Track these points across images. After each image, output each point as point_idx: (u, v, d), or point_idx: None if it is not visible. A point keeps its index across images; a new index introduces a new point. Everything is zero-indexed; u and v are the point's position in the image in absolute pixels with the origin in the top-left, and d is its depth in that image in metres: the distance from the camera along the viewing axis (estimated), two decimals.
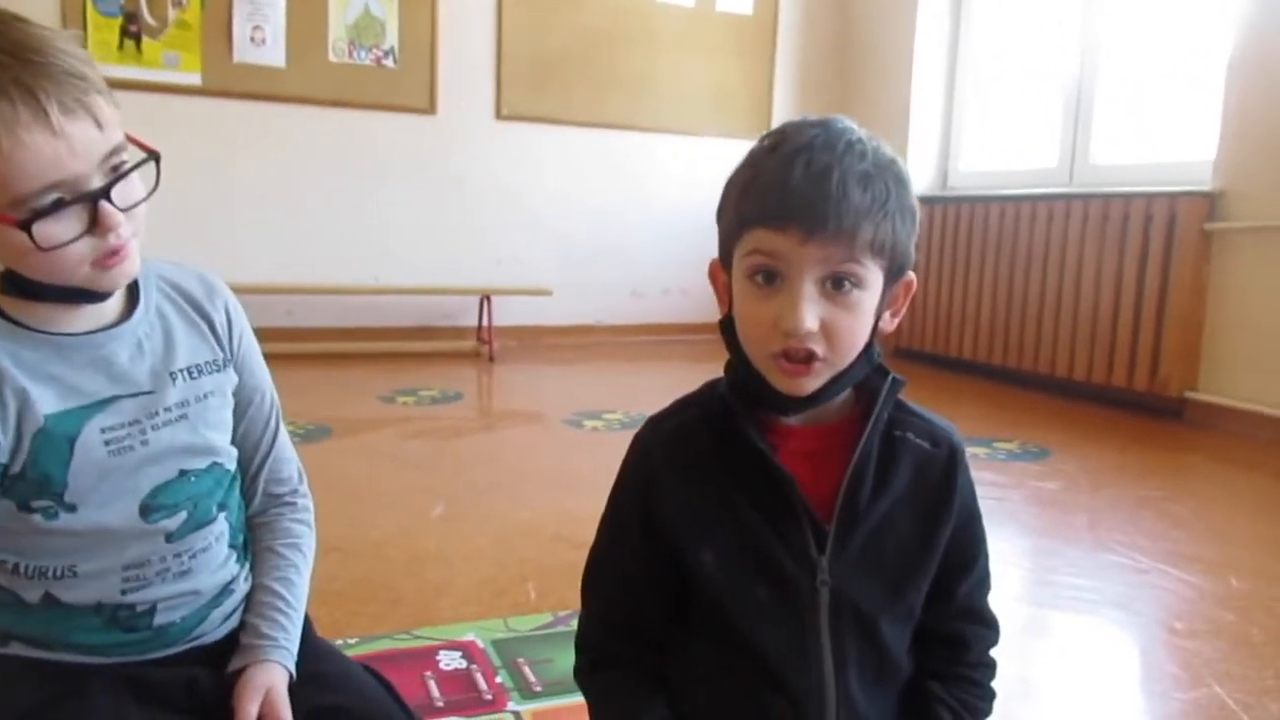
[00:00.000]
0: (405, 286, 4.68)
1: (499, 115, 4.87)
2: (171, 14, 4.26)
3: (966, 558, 0.86)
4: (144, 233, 0.84)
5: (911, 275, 0.81)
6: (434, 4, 4.66)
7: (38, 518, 0.83)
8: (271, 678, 0.91)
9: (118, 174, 0.79)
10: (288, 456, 1.04)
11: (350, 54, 4.55)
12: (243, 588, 0.98)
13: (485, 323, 4.63)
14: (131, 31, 4.20)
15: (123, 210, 0.79)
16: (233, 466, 0.97)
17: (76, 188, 0.77)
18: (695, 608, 0.84)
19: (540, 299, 4.88)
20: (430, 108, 4.73)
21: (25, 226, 0.75)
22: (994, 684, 0.88)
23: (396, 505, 2.26)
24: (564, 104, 4.99)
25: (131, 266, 0.83)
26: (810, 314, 0.74)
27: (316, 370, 4.02)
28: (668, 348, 5.10)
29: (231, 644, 0.95)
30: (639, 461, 0.86)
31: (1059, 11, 4.27)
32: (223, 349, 0.96)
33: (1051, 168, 4.27)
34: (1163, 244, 3.56)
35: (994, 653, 0.89)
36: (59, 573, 0.85)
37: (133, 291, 0.91)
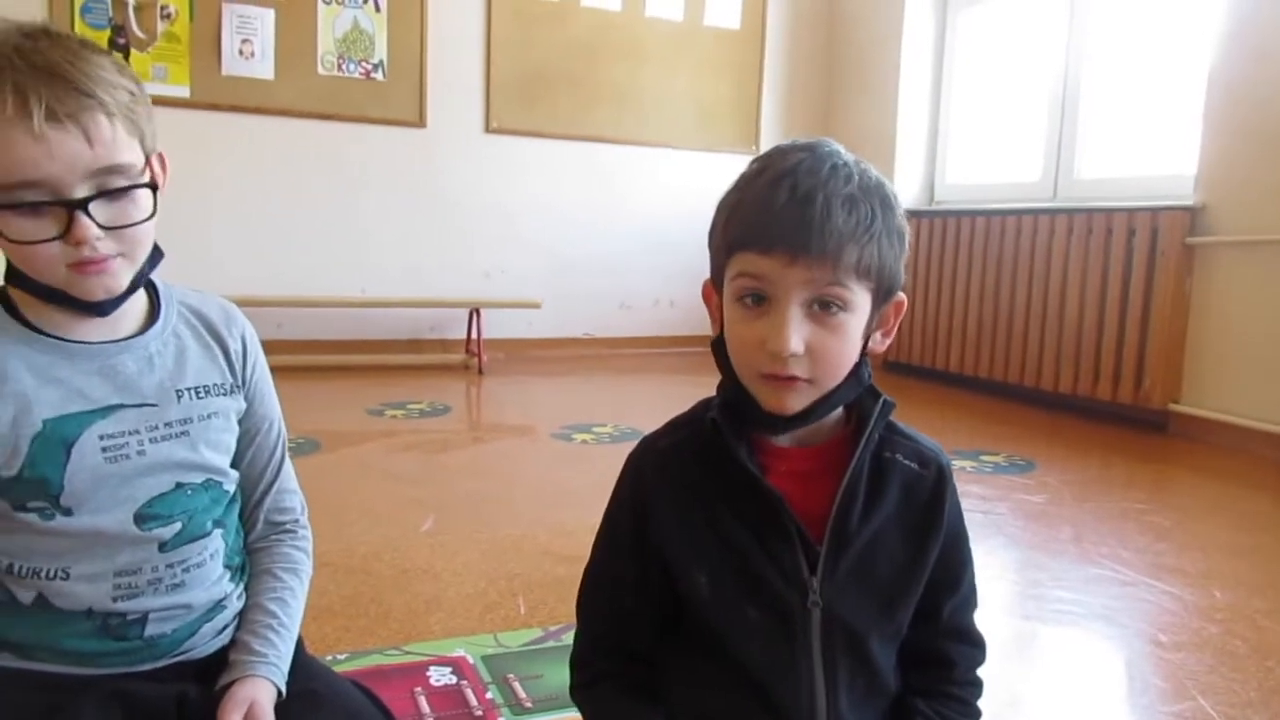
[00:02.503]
0: (394, 299, 4.68)
1: (487, 128, 4.89)
2: (160, 26, 4.26)
3: (953, 577, 0.87)
4: (140, 253, 0.86)
5: (901, 296, 0.82)
6: (423, 18, 4.68)
7: (33, 517, 0.84)
8: (257, 692, 0.91)
9: (103, 191, 0.81)
10: (292, 488, 1.06)
11: (340, 67, 4.56)
12: (235, 605, 0.99)
13: (474, 335, 4.63)
14: (119, 44, 4.19)
15: (106, 227, 0.81)
16: (231, 487, 0.98)
17: (56, 192, 0.79)
18: (687, 626, 0.85)
19: (529, 311, 4.90)
20: (419, 121, 4.74)
21: None
22: (980, 701, 0.89)
23: (386, 519, 2.26)
24: (552, 117, 5.01)
25: (113, 282, 0.85)
26: (795, 337, 0.75)
27: (305, 383, 4.01)
28: (658, 360, 5.11)
29: (222, 661, 0.96)
30: (632, 482, 0.86)
31: (1043, 27, 4.32)
32: (234, 374, 0.98)
33: (1036, 181, 4.31)
34: (1146, 258, 3.60)
35: (980, 670, 0.90)
36: (52, 574, 0.86)
37: (153, 310, 0.93)
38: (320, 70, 4.52)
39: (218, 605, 0.96)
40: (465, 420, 3.69)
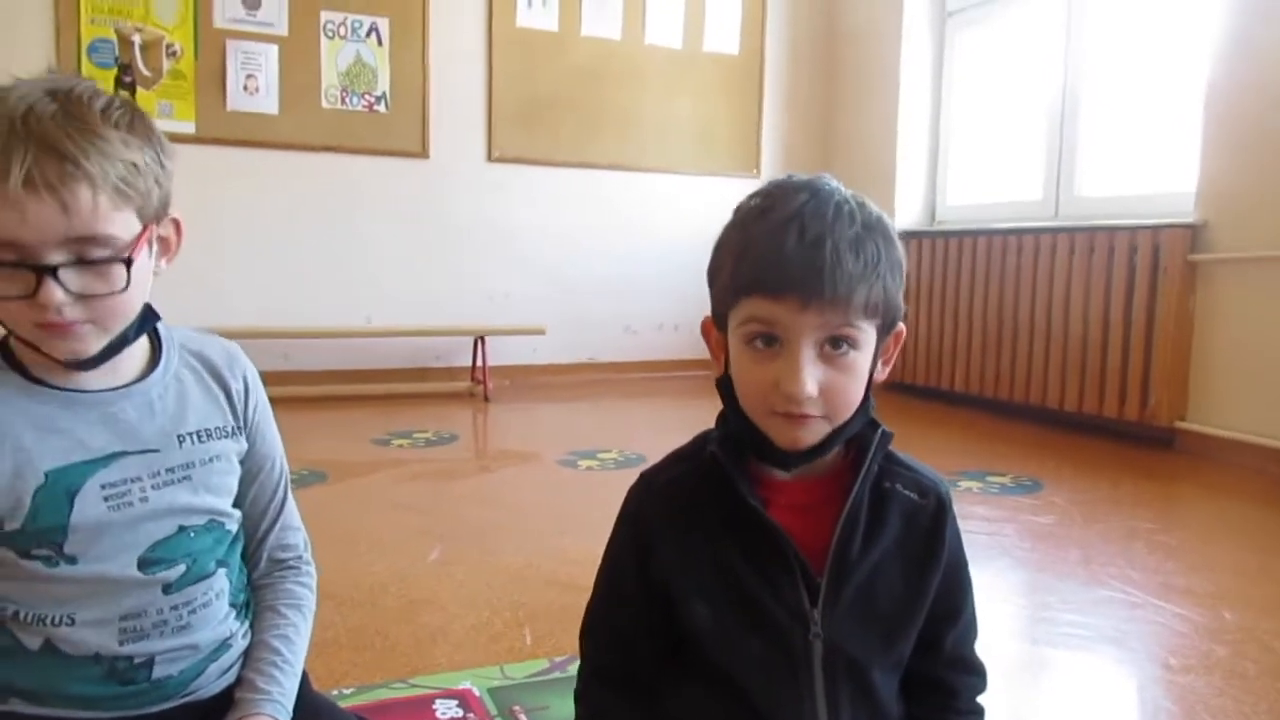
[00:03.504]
0: (399, 328, 4.71)
1: (490, 157, 4.93)
2: (166, 64, 4.32)
3: (954, 606, 0.87)
4: (113, 323, 0.85)
5: (901, 326, 0.83)
6: (424, 50, 4.73)
7: (38, 565, 0.85)
8: None
9: (77, 260, 0.80)
10: (295, 525, 1.07)
11: (343, 100, 4.61)
12: (240, 644, 0.99)
13: (480, 363, 4.65)
14: (126, 82, 4.25)
15: (75, 294, 0.80)
16: (234, 527, 0.98)
17: (28, 256, 0.78)
18: (689, 659, 0.85)
19: (534, 338, 4.91)
20: (422, 151, 4.78)
21: None
22: None
23: (392, 549, 2.26)
24: (554, 145, 5.05)
25: (79, 345, 0.84)
26: (810, 379, 0.76)
27: (311, 413, 4.02)
28: (663, 384, 5.12)
29: (228, 700, 0.96)
30: (632, 515, 0.87)
31: (1041, 45, 4.35)
32: (236, 416, 0.98)
33: (1037, 200, 4.33)
34: (1148, 275, 3.60)
35: (983, 698, 0.90)
36: (57, 620, 0.86)
37: (154, 355, 0.94)
38: (324, 104, 4.58)
39: (223, 644, 0.97)
40: (471, 448, 3.69)
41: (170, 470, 0.91)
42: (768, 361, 0.77)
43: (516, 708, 1.48)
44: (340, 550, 2.20)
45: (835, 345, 0.77)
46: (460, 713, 1.46)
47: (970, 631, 0.89)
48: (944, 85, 4.99)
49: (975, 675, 0.89)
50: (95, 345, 0.85)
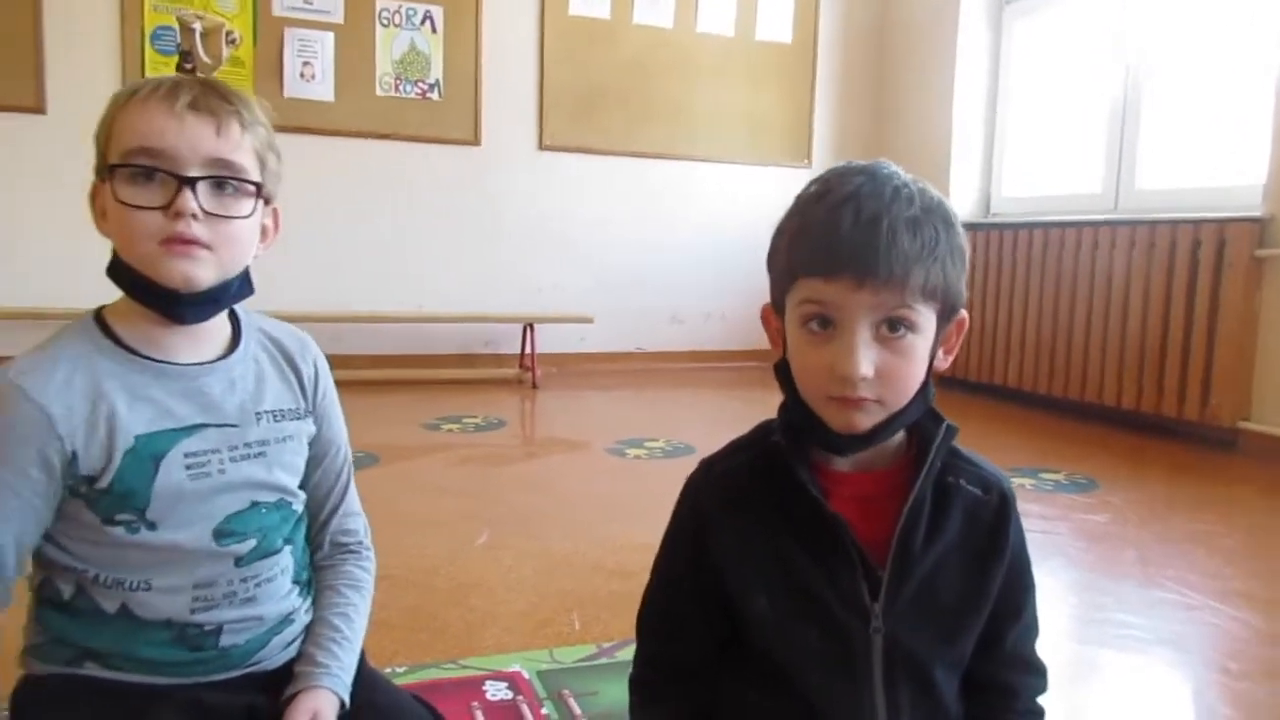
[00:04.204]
0: (449, 314, 4.75)
1: (541, 145, 4.95)
2: (225, 51, 4.39)
3: (1016, 605, 0.86)
4: (228, 254, 0.91)
5: (964, 314, 0.82)
6: (477, 38, 4.76)
7: (120, 531, 0.89)
8: (320, 703, 0.95)
9: (215, 179, 0.89)
10: (356, 511, 1.10)
11: (396, 88, 4.66)
12: (303, 619, 1.03)
13: (528, 350, 4.68)
14: (186, 69, 4.29)
15: (205, 211, 0.87)
16: (299, 508, 1.02)
17: (173, 166, 0.86)
18: (745, 651, 0.85)
19: (582, 326, 4.93)
20: (474, 139, 4.82)
21: (113, 171, 0.87)
22: None
23: (442, 533, 2.29)
24: (605, 134, 5.05)
25: (194, 270, 0.88)
26: (865, 360, 0.74)
27: (362, 397, 4.08)
28: (709, 374, 5.11)
29: (289, 673, 0.99)
30: (691, 504, 0.87)
31: (1102, 33, 4.24)
32: (306, 400, 1.03)
33: (1097, 193, 4.23)
34: (1212, 271, 3.50)
35: (1041, 699, 0.89)
36: (134, 585, 0.91)
37: (234, 338, 0.99)
38: (378, 91, 4.63)
39: (287, 619, 1.00)
40: (519, 435, 3.72)
41: (247, 445, 0.95)
42: (823, 344, 0.76)
43: (565, 692, 1.49)
44: (392, 532, 2.24)
45: (892, 328, 0.75)
46: (510, 695, 1.48)
47: (1032, 631, 0.88)
48: (1000, 74, 4.89)
49: (1036, 675, 0.88)
50: (206, 276, 0.90)
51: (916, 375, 0.78)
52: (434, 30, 4.69)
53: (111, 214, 0.89)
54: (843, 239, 0.74)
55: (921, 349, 0.77)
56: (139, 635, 0.91)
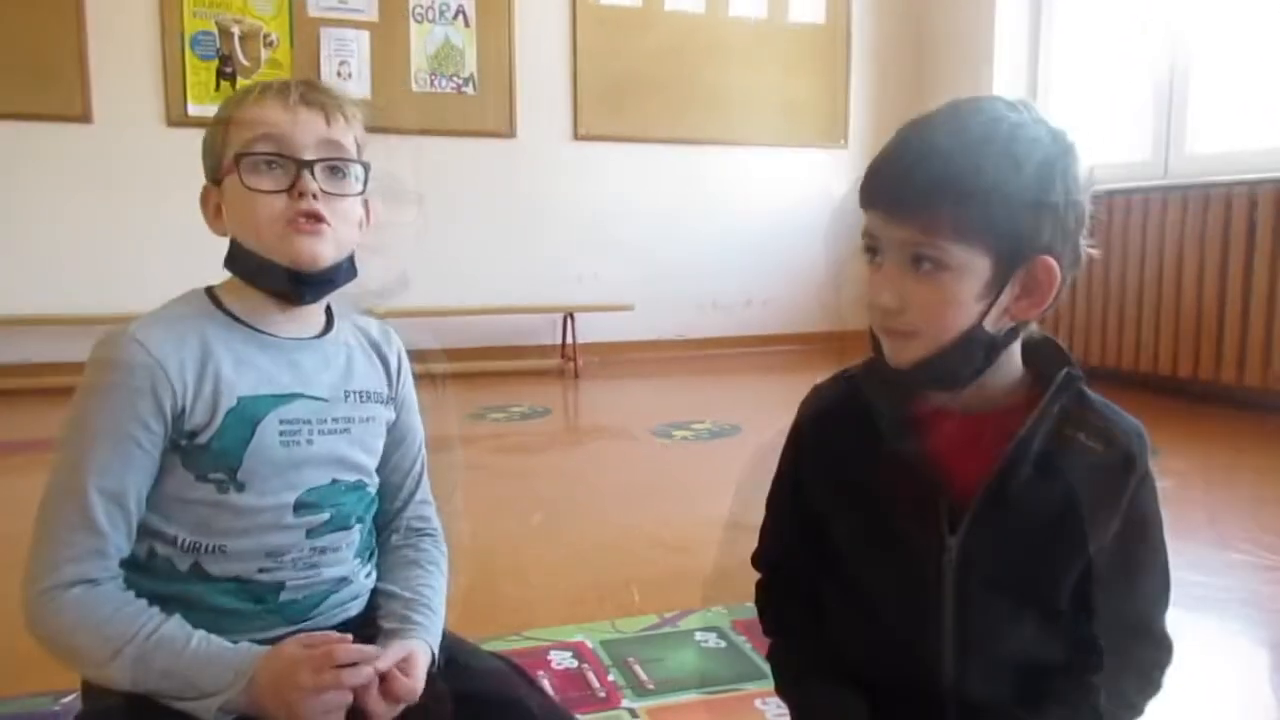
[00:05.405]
0: (490, 306, 4.77)
1: (576, 135, 4.95)
2: (264, 54, 4.45)
3: (1129, 569, 0.81)
4: (344, 232, 0.99)
5: (1047, 260, 0.76)
6: (510, 31, 4.77)
7: (210, 489, 0.92)
8: (412, 647, 0.96)
9: (328, 161, 0.97)
10: (428, 499, 1.16)
11: (432, 83, 4.68)
12: (361, 583, 1.05)
13: (569, 339, 4.68)
14: (226, 73, 4.40)
15: (324, 190, 0.96)
16: (374, 491, 1.06)
17: (290, 152, 0.95)
18: (834, 576, 0.86)
19: (622, 314, 4.92)
20: (510, 131, 4.82)
21: (239, 161, 0.94)
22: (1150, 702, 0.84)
23: (497, 514, 2.29)
24: (639, 122, 5.04)
25: (320, 247, 0.96)
26: (886, 290, 0.75)
27: None
28: (751, 359, 5.08)
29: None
30: (794, 432, 0.89)
31: None
32: (390, 386, 1.08)
33: (1146, 160, 4.13)
34: (1271, 232, 3.40)
35: (1160, 673, 0.85)
36: (210, 549, 0.93)
37: (329, 322, 1.05)
38: (414, 87, 4.65)
39: (343, 580, 1.02)
40: (565, 422, 3.73)
41: (335, 420, 0.99)
42: (872, 275, 0.77)
43: (630, 659, 1.48)
44: (447, 514, 2.24)
45: (917, 263, 0.74)
46: (575, 663, 1.47)
47: (1156, 600, 0.84)
48: (1042, 39, 4.79)
49: (1154, 646, 0.84)
50: (328, 253, 0.97)
51: (948, 312, 0.74)
52: (467, 24, 4.70)
53: (236, 203, 0.96)
54: (876, 171, 0.76)
55: (956, 288, 0.73)
56: (207, 587, 0.94)
